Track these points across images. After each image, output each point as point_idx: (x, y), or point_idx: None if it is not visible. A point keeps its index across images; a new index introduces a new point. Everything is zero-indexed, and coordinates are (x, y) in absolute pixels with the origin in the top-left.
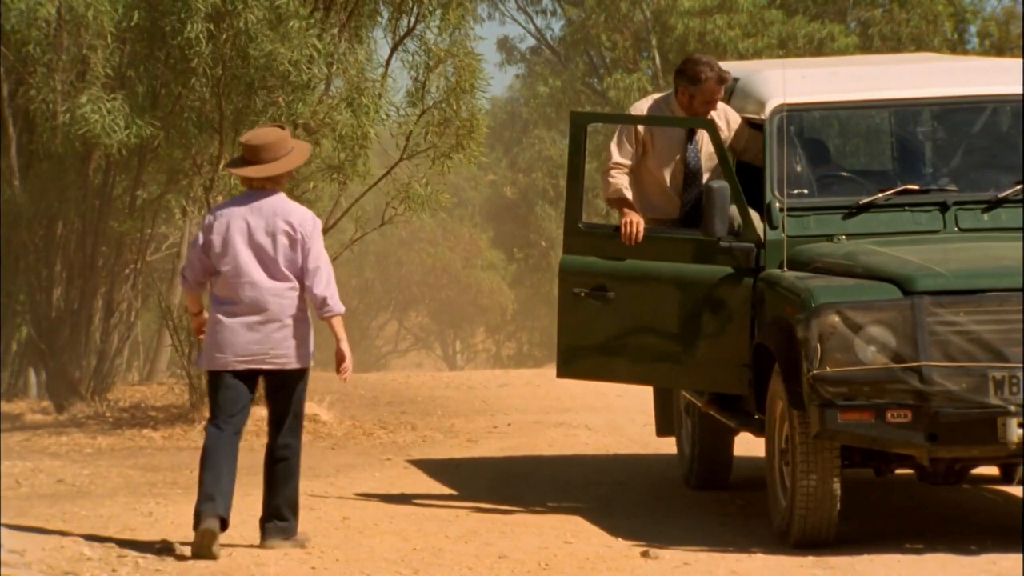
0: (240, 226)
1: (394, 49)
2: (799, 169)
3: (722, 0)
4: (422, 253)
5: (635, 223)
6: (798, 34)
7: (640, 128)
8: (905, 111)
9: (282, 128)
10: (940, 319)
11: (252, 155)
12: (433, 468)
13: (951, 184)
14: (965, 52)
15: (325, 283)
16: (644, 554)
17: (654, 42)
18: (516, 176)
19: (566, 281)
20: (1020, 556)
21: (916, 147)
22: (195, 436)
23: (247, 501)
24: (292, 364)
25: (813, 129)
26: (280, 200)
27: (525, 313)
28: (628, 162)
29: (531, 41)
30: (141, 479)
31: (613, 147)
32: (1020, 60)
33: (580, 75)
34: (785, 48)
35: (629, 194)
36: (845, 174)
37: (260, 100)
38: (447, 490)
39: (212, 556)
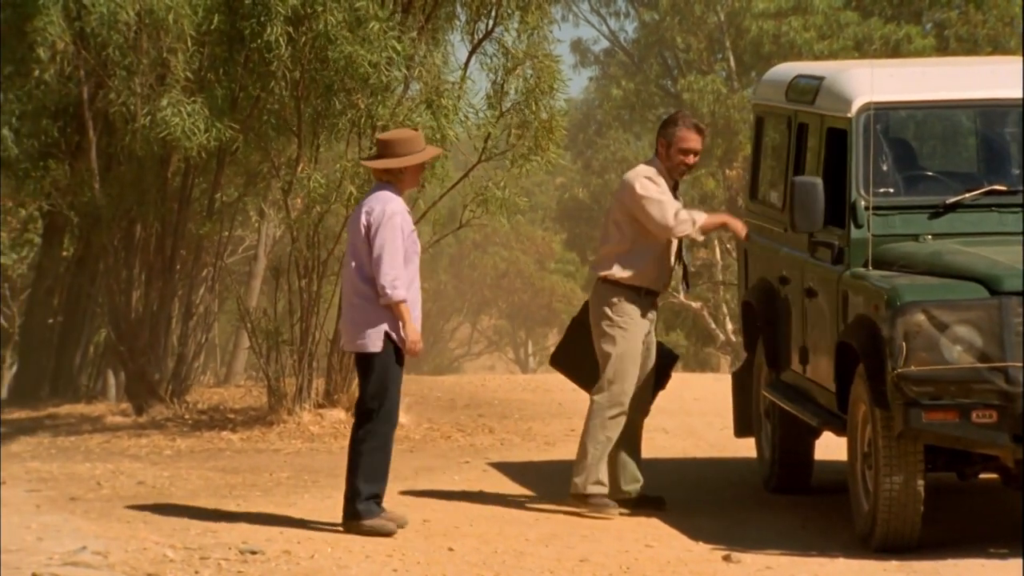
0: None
1: (473, 51)
2: (885, 168)
3: (797, 2)
4: (495, 256)
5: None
6: (874, 35)
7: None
8: (992, 111)
9: (415, 130)
10: None
11: (379, 149)
12: (512, 471)
13: None
14: None
15: (383, 271)
16: (726, 558)
17: (728, 44)
18: (589, 178)
19: None
20: None
21: (1003, 148)
22: (273, 438)
23: (327, 504)
24: (351, 348)
25: (899, 128)
26: (379, 194)
27: None
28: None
29: (605, 43)
30: (221, 481)
31: (653, 205)
32: None
33: (654, 77)
34: (860, 50)
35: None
36: (931, 174)
37: (339, 102)
38: (526, 493)
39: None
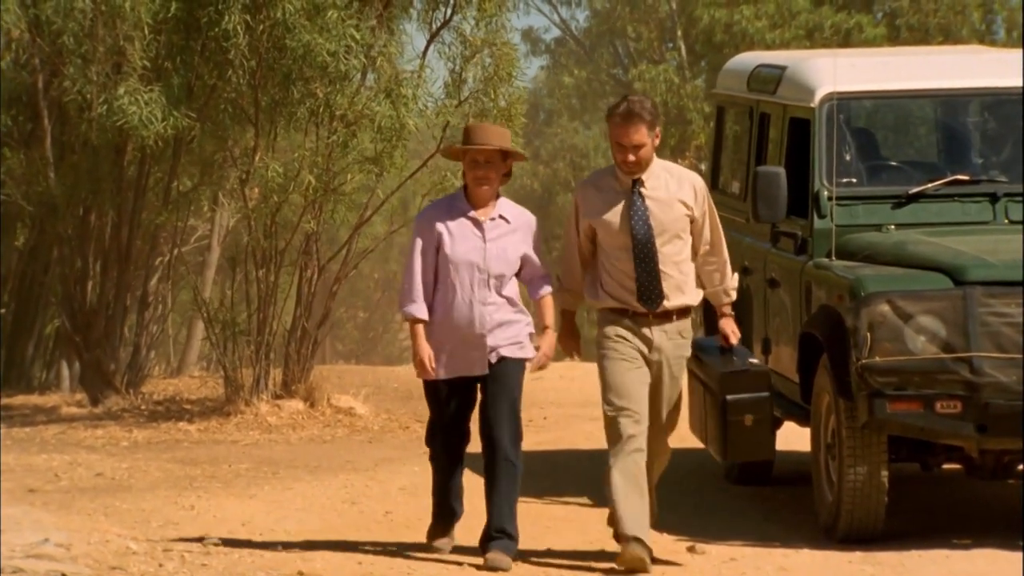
0: None
1: (431, 40)
2: (848, 158)
3: None
4: None
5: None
6: (825, 24)
7: (578, 202)
8: (955, 101)
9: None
10: (991, 310)
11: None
12: (471, 462)
13: (1001, 175)
14: (992, 43)
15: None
16: (690, 549)
17: (680, 33)
18: (537, 167)
19: None
20: None
21: (966, 137)
22: (230, 430)
23: (288, 495)
24: None
25: (862, 118)
26: None
27: None
28: (576, 250)
29: (556, 32)
30: (180, 473)
31: (565, 235)
32: None
33: (605, 66)
34: (812, 39)
35: (576, 304)
36: (894, 163)
37: (297, 91)
38: None
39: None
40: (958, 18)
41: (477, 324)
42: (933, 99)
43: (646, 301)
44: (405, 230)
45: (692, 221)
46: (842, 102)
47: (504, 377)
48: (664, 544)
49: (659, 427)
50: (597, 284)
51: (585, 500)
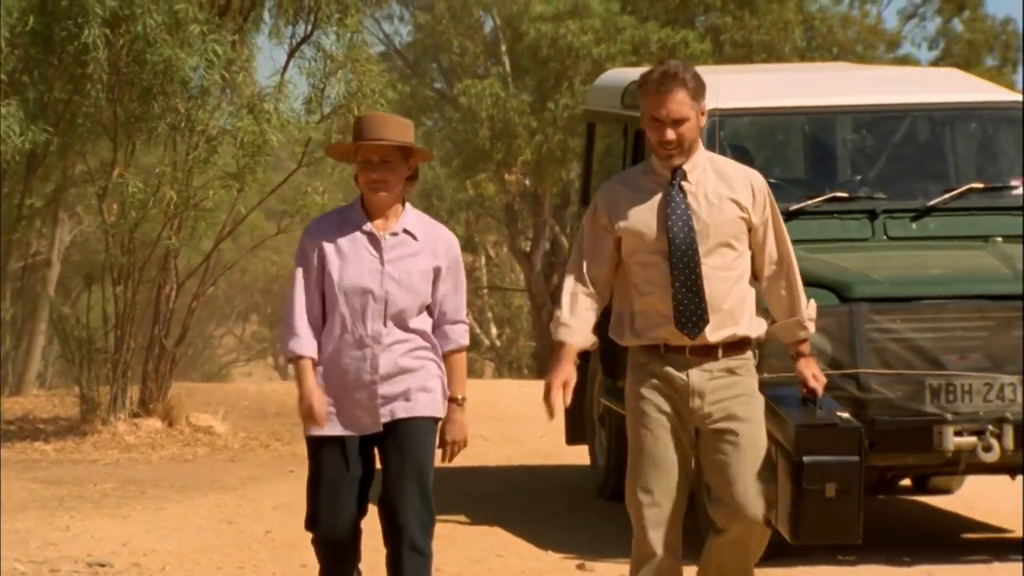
0: None
1: (291, 55)
2: None
3: (574, 5)
4: (266, 261)
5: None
6: (651, 39)
7: (600, 208)
8: (837, 118)
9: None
10: (877, 326)
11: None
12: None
13: (880, 192)
14: (812, 58)
15: None
16: (580, 567)
17: (504, 48)
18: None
19: None
20: (952, 566)
21: (846, 154)
22: (88, 449)
23: (162, 515)
24: None
25: (743, 135)
26: None
27: None
28: (596, 269)
29: (380, 47)
30: (46, 493)
31: (572, 254)
32: (953, 71)
33: (429, 81)
34: (638, 54)
35: (574, 338)
36: (774, 180)
37: (158, 106)
38: None
39: None
40: (781, 35)
41: (368, 369)
42: (814, 116)
43: (684, 325)
44: (231, 244)
45: (750, 229)
46: (723, 118)
47: (409, 445)
48: (551, 562)
49: (729, 505)
50: (623, 316)
51: (462, 518)
